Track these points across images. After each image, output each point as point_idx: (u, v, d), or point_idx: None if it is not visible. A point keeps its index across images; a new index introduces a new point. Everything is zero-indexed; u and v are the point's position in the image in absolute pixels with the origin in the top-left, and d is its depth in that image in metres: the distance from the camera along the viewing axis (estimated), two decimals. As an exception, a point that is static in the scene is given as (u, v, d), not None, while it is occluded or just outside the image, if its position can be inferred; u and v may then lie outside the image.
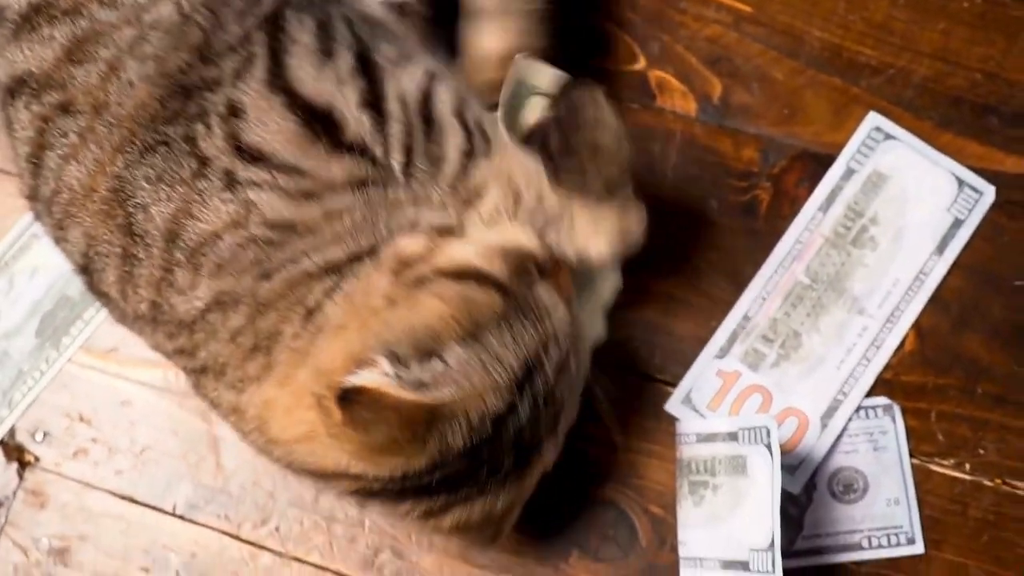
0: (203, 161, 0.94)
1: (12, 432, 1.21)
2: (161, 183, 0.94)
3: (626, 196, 1.05)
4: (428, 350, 0.87)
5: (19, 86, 1.01)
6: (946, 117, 1.20)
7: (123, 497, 1.19)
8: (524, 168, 1.03)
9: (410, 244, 0.95)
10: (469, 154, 1.00)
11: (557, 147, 1.04)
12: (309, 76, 0.95)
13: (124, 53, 0.97)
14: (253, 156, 0.94)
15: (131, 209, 0.95)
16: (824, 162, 1.20)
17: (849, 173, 1.19)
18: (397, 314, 0.89)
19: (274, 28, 0.97)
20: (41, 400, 1.21)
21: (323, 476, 0.94)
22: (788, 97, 1.22)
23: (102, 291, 1.01)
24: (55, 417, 1.21)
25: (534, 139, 1.06)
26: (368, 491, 0.93)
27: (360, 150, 0.97)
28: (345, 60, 0.97)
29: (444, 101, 1.01)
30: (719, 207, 1.20)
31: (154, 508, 1.18)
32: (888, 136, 1.20)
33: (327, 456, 0.91)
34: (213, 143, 0.94)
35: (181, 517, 1.18)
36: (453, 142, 1.00)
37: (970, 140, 1.20)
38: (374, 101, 0.97)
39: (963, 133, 1.20)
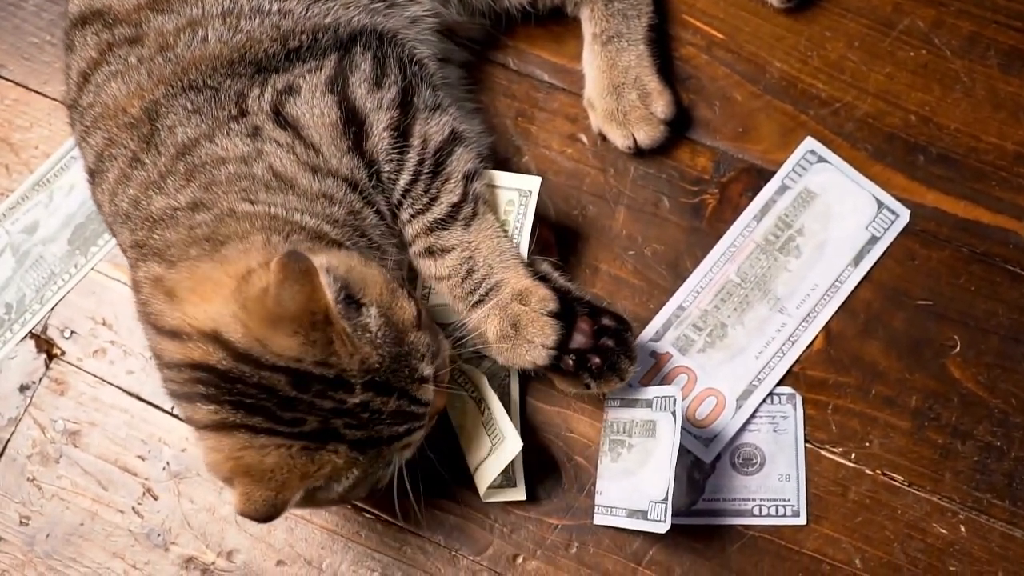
0: (243, 112, 1.15)
1: (45, 327, 1.39)
2: (197, 114, 1.15)
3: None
4: (355, 297, 1.04)
5: (94, 17, 1.21)
6: (879, 150, 1.34)
7: (131, 394, 1.37)
8: (490, 245, 1.21)
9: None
10: (454, 215, 1.20)
11: (593, 368, 1.21)
12: (362, 93, 1.18)
13: (212, 18, 1.18)
14: (287, 122, 1.16)
15: (159, 126, 1.14)
16: (768, 177, 1.34)
17: (783, 189, 1.33)
18: (350, 262, 1.07)
19: (344, 52, 1.20)
20: (71, 302, 1.40)
21: (185, 335, 1.03)
22: (744, 117, 1.37)
23: (97, 198, 1.21)
24: (82, 319, 1.40)
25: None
26: (203, 369, 1.02)
27: (369, 162, 1.17)
28: (390, 93, 1.19)
29: (460, 160, 1.22)
30: (670, 206, 1.34)
31: (156, 407, 1.36)
32: (820, 159, 1.34)
33: (212, 313, 1.02)
34: (259, 104, 1.16)
35: (177, 417, 1.35)
36: (448, 197, 1.21)
37: (898, 172, 1.33)
38: (399, 129, 1.18)
39: (892, 166, 1.33)
